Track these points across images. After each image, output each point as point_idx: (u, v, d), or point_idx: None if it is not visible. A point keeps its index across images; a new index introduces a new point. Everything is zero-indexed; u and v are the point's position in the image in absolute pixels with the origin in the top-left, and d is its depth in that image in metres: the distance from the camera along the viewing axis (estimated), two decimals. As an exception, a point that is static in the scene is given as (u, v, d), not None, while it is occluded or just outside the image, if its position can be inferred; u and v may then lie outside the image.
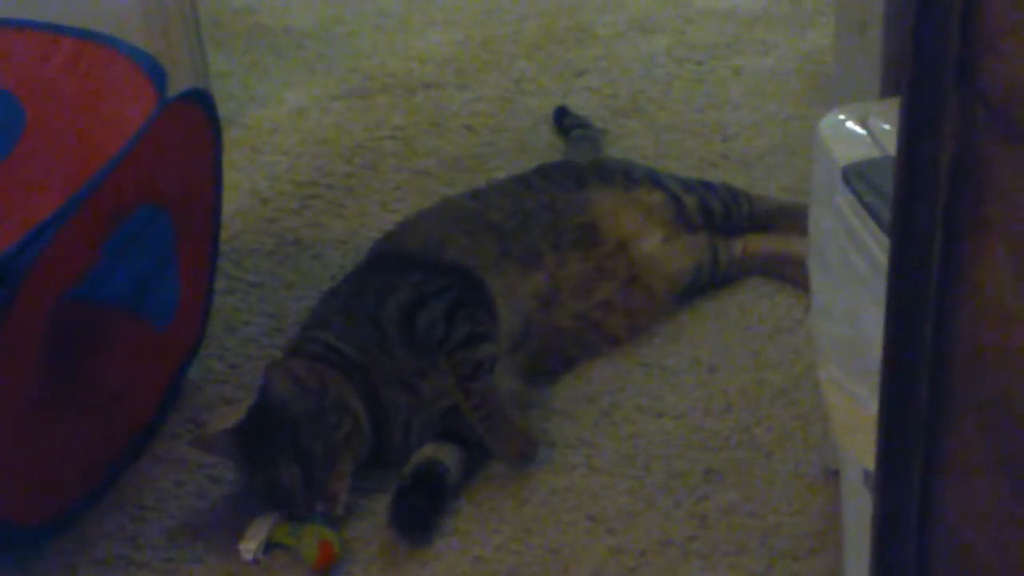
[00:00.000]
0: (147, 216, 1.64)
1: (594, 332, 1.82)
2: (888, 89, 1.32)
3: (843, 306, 1.13)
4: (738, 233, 1.95)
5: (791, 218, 1.92)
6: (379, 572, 1.57)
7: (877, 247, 1.06)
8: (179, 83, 2.05)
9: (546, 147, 2.22)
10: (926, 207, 0.78)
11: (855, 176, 1.09)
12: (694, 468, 1.66)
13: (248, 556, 1.58)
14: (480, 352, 1.66)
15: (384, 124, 2.30)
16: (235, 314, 1.93)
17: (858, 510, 1.27)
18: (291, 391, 1.59)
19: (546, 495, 1.65)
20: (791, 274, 1.88)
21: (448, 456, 1.64)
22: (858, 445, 1.12)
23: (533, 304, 1.78)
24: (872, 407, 0.92)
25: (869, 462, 1.04)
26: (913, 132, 0.78)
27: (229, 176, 1.89)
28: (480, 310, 1.70)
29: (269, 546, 1.59)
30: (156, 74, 1.68)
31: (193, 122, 1.69)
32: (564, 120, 2.23)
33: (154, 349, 1.74)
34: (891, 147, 1.10)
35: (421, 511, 1.60)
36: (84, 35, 1.76)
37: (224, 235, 1.88)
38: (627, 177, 1.93)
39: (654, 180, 1.95)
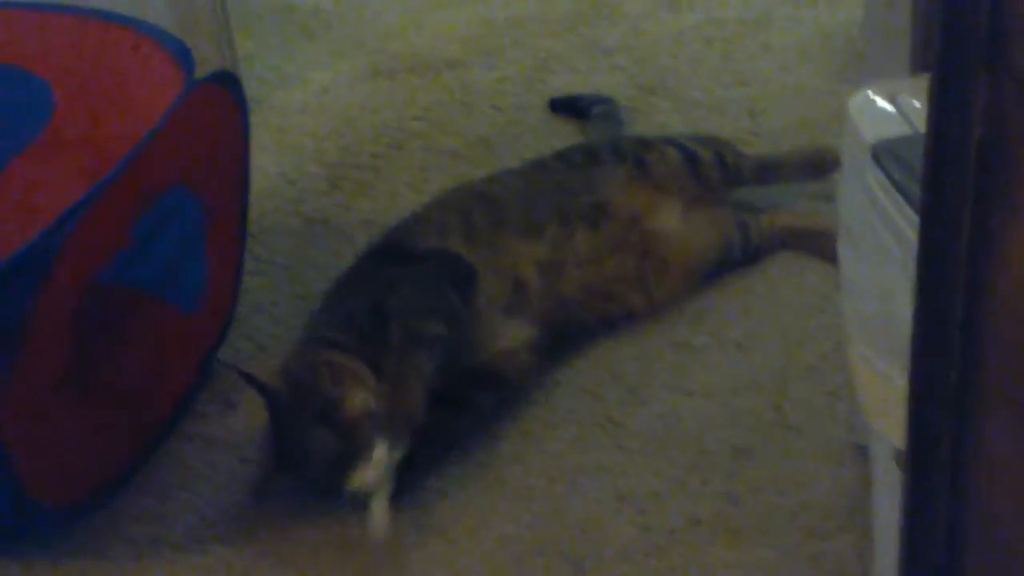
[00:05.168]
0: (175, 199, 1.64)
1: (606, 303, 1.81)
2: (918, 64, 1.31)
3: (873, 284, 1.12)
4: (741, 185, 1.97)
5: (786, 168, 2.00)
6: (406, 551, 1.57)
7: (907, 226, 1.05)
8: (207, 65, 2.04)
9: (573, 127, 2.21)
10: (955, 186, 0.77)
11: (884, 154, 1.08)
12: (722, 447, 1.66)
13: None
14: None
15: (411, 104, 2.29)
16: (263, 295, 1.94)
17: (888, 488, 1.27)
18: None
19: (574, 474, 1.65)
20: (821, 247, 1.87)
21: None
22: (888, 424, 1.12)
23: (529, 269, 1.76)
24: (902, 385, 0.91)
25: (899, 440, 1.04)
26: (942, 110, 0.77)
27: (256, 158, 1.89)
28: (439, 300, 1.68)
29: None
30: (183, 57, 1.68)
31: (220, 104, 1.69)
32: (577, 103, 2.21)
33: (183, 331, 1.75)
34: (921, 125, 1.10)
35: None
36: (111, 18, 1.76)
37: (251, 216, 1.88)
38: (640, 145, 1.93)
39: (666, 140, 1.96)
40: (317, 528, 1.60)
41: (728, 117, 2.18)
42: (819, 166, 1.99)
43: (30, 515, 1.57)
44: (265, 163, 2.16)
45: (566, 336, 1.80)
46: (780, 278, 1.89)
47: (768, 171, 1.99)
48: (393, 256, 1.77)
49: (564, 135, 2.18)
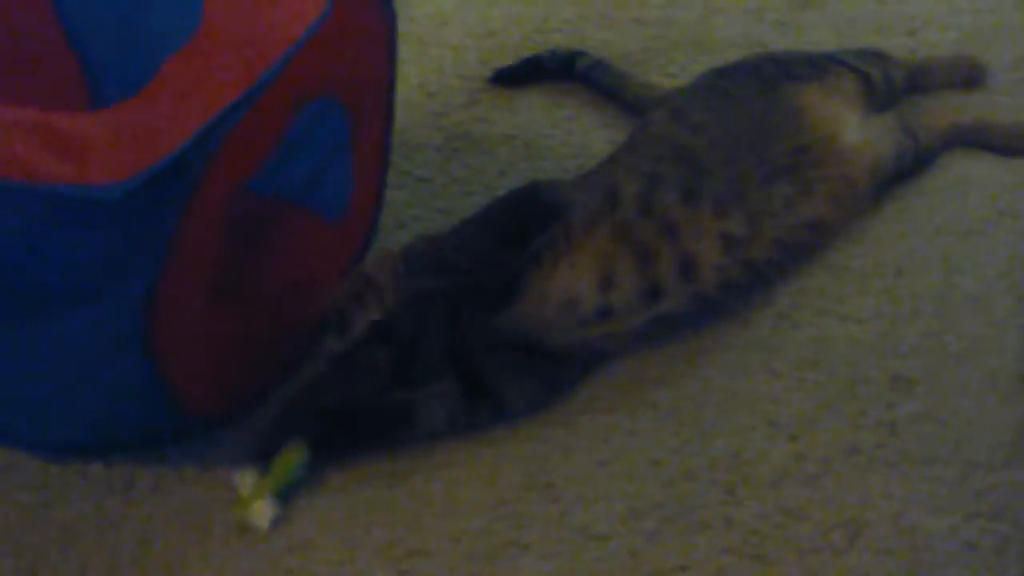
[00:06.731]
0: (323, 107, 1.62)
1: (795, 254, 1.70)
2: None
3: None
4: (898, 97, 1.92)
5: (945, 72, 1.97)
6: (553, 469, 1.55)
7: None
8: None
9: (718, 42, 2.14)
10: None
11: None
12: (880, 375, 1.60)
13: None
14: None
15: (553, 17, 2.24)
16: (405, 209, 1.91)
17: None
18: None
19: (724, 399, 1.61)
20: (993, 140, 1.84)
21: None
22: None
23: (710, 243, 1.62)
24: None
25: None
26: None
27: (397, 70, 1.85)
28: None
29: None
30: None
31: (369, 9, 1.65)
32: (541, 64, 2.09)
33: (327, 243, 1.73)
34: None
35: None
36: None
37: (393, 129, 1.85)
38: (812, 65, 1.86)
39: (834, 59, 1.88)
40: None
41: (885, 34, 2.09)
42: (968, 74, 1.96)
43: (181, 425, 1.57)
44: (405, 75, 2.12)
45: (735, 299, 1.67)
46: (939, 202, 1.82)
47: (917, 78, 1.95)
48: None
49: (707, 49, 2.10)
